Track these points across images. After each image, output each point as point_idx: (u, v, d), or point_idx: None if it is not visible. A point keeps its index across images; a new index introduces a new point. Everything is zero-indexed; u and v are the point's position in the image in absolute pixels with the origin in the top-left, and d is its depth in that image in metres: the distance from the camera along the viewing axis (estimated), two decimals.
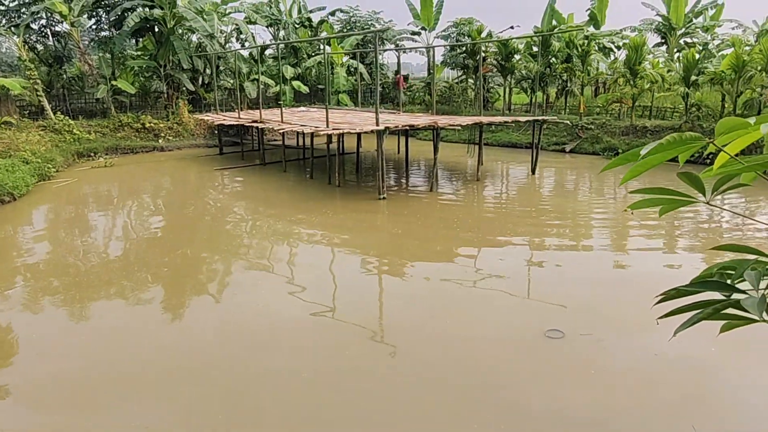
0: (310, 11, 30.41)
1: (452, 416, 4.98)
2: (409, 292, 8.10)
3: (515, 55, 25.45)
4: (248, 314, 7.26)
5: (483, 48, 24.17)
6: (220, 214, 13.38)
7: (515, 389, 5.44)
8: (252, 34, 26.95)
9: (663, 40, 26.39)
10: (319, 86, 28.59)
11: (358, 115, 18.54)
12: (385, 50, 29.61)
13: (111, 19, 23.79)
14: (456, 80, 29.50)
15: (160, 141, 23.05)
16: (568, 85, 24.32)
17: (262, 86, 22.97)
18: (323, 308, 7.49)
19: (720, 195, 1.76)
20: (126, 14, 22.52)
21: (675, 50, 25.43)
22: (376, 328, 6.94)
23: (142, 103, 25.04)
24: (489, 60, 25.75)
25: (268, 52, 29.00)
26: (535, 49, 24.16)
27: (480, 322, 6.89)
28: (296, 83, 27.12)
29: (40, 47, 24.36)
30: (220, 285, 8.63)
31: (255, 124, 18.01)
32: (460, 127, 18.34)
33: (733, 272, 1.82)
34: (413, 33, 30.39)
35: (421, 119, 16.23)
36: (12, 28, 22.12)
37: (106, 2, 23.87)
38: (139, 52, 25.50)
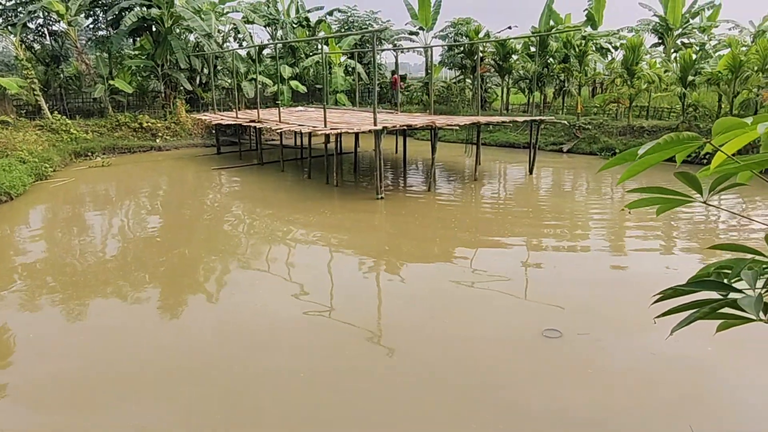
0: (308, 11, 30.41)
1: (452, 416, 4.98)
2: (407, 292, 8.10)
3: (513, 55, 25.48)
4: (246, 314, 7.26)
5: (481, 48, 24.19)
6: (218, 213, 13.37)
7: (514, 389, 5.45)
8: (250, 33, 26.94)
9: (660, 41, 26.44)
10: (317, 86, 28.59)
11: (356, 115, 18.53)
12: (382, 50, 29.61)
13: (108, 19, 23.74)
14: (454, 80, 29.52)
15: (157, 140, 23.01)
16: (566, 85, 24.36)
17: (259, 86, 22.95)
18: (322, 308, 7.49)
19: (717, 195, 1.77)
20: (123, 13, 22.48)
21: (672, 51, 25.49)
22: (375, 328, 6.95)
23: (140, 103, 24.99)
24: (487, 60, 25.78)
25: (265, 51, 28.98)
26: (532, 49, 24.17)
27: (479, 323, 6.90)
28: (294, 83, 27.11)
29: (37, 46, 24.28)
30: (218, 285, 8.63)
31: (253, 124, 17.99)
32: (457, 127, 18.37)
33: (729, 271, 1.83)
34: (411, 33, 30.41)
35: (419, 119, 16.24)
36: (9, 27, 22.05)
37: (104, 1, 23.82)
38: (136, 52, 25.45)
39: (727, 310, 1.72)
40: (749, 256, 1.84)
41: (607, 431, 4.80)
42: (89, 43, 25.05)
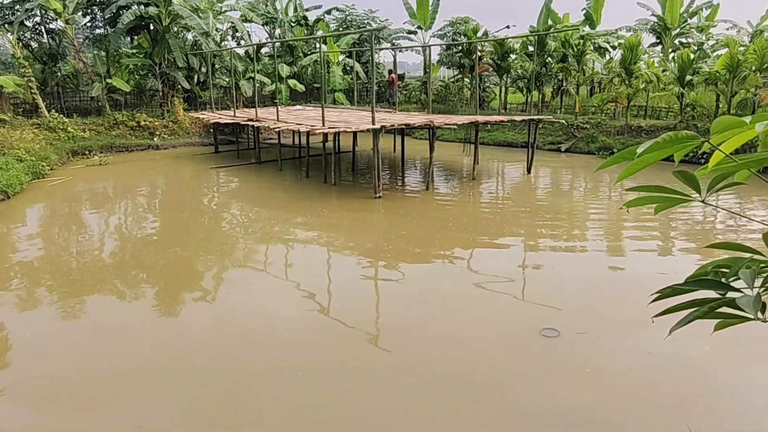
0: (306, 9, 30.37)
1: (451, 415, 4.99)
2: (406, 291, 8.10)
3: (511, 55, 25.48)
4: (245, 313, 7.25)
5: (479, 47, 24.19)
6: (216, 213, 13.35)
7: (513, 388, 5.45)
8: (248, 32, 26.90)
9: (658, 40, 26.48)
10: (315, 85, 28.56)
11: (354, 114, 18.52)
12: (381, 49, 29.60)
13: (106, 17, 23.67)
14: (452, 79, 29.51)
15: (155, 139, 22.97)
16: (564, 84, 24.38)
17: (257, 85, 22.91)
18: (321, 308, 7.49)
19: (715, 194, 1.77)
20: (121, 12, 22.41)
21: (670, 50, 25.53)
22: (375, 327, 6.95)
23: (137, 102, 24.93)
24: (485, 59, 25.78)
25: (263, 50, 28.94)
26: (531, 48, 24.19)
27: (478, 322, 6.90)
28: (292, 82, 27.07)
29: (34, 45, 24.20)
30: (217, 284, 8.61)
31: (251, 123, 17.96)
32: (456, 126, 18.39)
33: (727, 270, 1.83)
34: (409, 32, 30.40)
35: (417, 118, 16.23)
36: (6, 25, 22.00)
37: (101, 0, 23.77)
38: (134, 50, 25.39)
39: (725, 309, 1.72)
40: (747, 255, 1.84)
41: (606, 430, 4.81)
42: (87, 41, 24.97)
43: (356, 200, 13.66)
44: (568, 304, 7.25)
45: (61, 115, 21.62)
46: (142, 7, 22.39)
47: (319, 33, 28.86)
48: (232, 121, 18.98)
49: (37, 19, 23.76)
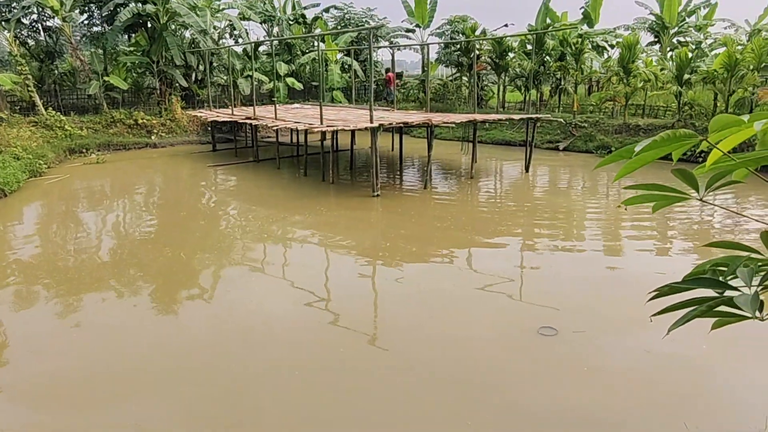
0: (304, 8, 30.30)
1: (451, 415, 4.99)
2: (404, 291, 8.09)
3: (509, 53, 25.48)
4: (243, 312, 7.24)
5: (477, 46, 24.18)
6: (213, 211, 13.33)
7: (512, 388, 5.46)
8: (246, 30, 26.82)
9: (656, 39, 26.50)
10: (313, 83, 28.51)
11: (352, 113, 18.50)
12: (379, 47, 29.56)
13: (103, 15, 23.59)
14: (450, 78, 29.49)
15: (152, 137, 22.91)
16: (562, 83, 24.39)
17: (255, 83, 22.86)
18: (319, 307, 7.48)
19: (713, 192, 1.77)
20: (118, 9, 22.34)
21: (668, 49, 25.55)
22: (373, 327, 6.95)
23: (135, 99, 24.86)
24: (483, 58, 25.77)
25: (261, 48, 28.88)
26: (529, 47, 24.19)
27: (477, 322, 6.90)
28: (290, 80, 27.02)
29: (31, 42, 24.10)
30: (214, 282, 8.60)
31: (248, 121, 17.94)
32: (454, 125, 18.38)
33: (725, 269, 1.83)
34: (407, 30, 30.35)
35: (415, 117, 16.22)
36: (3, 23, 21.90)
37: None
38: (131, 48, 25.29)
39: (722, 308, 1.72)
40: (745, 253, 1.84)
41: (604, 429, 4.82)
42: (84, 39, 24.88)
43: (354, 199, 13.65)
44: (567, 303, 7.26)
45: (59, 113, 21.54)
46: (140, 4, 22.32)
47: (317, 31, 28.80)
48: (230, 119, 18.95)
49: (34, 16, 23.64)
